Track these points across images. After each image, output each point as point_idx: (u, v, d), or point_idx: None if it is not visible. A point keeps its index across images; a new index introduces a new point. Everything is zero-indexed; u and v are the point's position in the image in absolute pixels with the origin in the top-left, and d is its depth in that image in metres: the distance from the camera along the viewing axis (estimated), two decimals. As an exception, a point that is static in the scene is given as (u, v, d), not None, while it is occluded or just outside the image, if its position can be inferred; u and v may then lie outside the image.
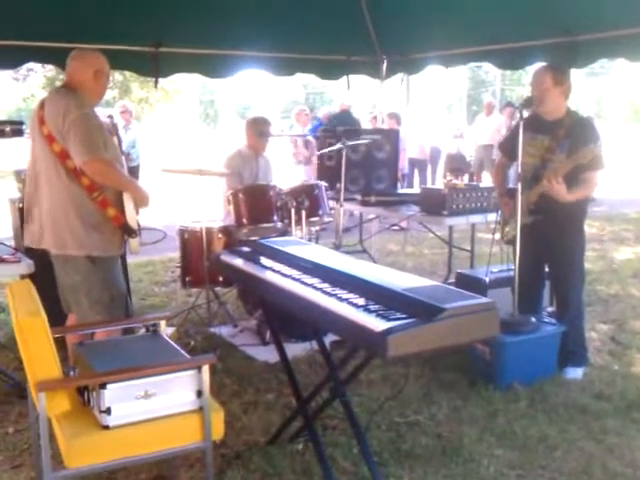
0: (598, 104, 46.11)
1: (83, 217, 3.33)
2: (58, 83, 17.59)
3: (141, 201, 3.49)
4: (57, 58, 3.57)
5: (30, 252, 3.70)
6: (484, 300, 2.33)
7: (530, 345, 3.99)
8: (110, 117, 3.95)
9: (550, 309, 4.67)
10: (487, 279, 4.61)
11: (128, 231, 3.41)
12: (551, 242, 4.10)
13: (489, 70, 39.49)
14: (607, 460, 3.17)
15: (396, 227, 8.97)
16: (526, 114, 4.00)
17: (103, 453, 2.38)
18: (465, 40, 5.64)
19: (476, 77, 43.24)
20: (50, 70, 19.90)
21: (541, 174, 3.97)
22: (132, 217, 3.40)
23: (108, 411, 2.38)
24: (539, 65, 4.25)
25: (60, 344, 3.01)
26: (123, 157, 3.73)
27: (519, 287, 4.04)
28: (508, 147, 4.34)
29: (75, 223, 3.33)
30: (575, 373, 4.11)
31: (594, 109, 40.36)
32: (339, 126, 7.27)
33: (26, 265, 3.67)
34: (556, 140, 3.98)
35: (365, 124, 11.13)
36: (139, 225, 3.48)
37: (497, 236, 4.35)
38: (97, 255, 3.38)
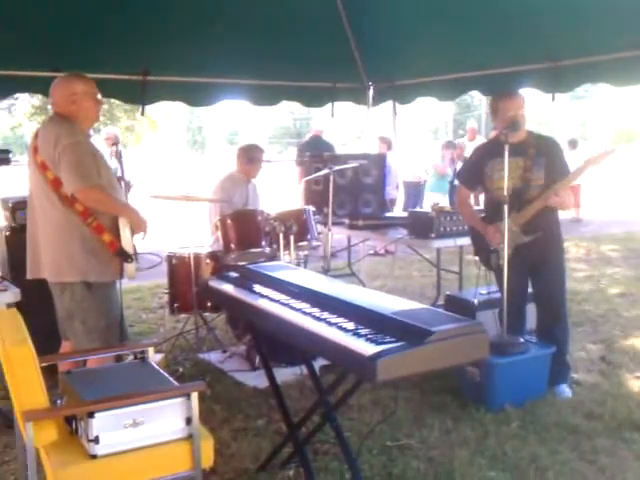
0: (583, 126, 46.63)
1: (80, 242, 3.32)
2: (46, 112, 17.56)
3: (137, 226, 3.47)
4: (45, 88, 3.58)
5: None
6: (472, 322, 2.34)
7: (520, 366, 3.99)
8: (115, 145, 3.95)
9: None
10: (475, 301, 4.62)
11: (124, 256, 3.37)
12: (538, 260, 4.13)
13: (474, 95, 39.97)
14: (599, 481, 3.16)
15: (382, 252, 8.99)
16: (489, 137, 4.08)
17: (91, 483, 2.35)
18: (452, 67, 5.73)
19: (461, 102, 43.64)
20: (37, 99, 19.96)
21: (526, 194, 4.02)
22: (128, 242, 3.38)
23: (96, 440, 2.35)
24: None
25: (52, 372, 3.00)
26: (123, 183, 3.72)
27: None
28: (469, 177, 4.40)
29: (73, 248, 3.33)
30: (567, 390, 4.14)
31: (579, 131, 40.78)
32: (311, 152, 7.34)
33: (12, 294, 3.64)
34: (530, 159, 4.03)
35: (353, 148, 11.15)
36: (135, 250, 3.47)
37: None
38: (93, 281, 3.37)
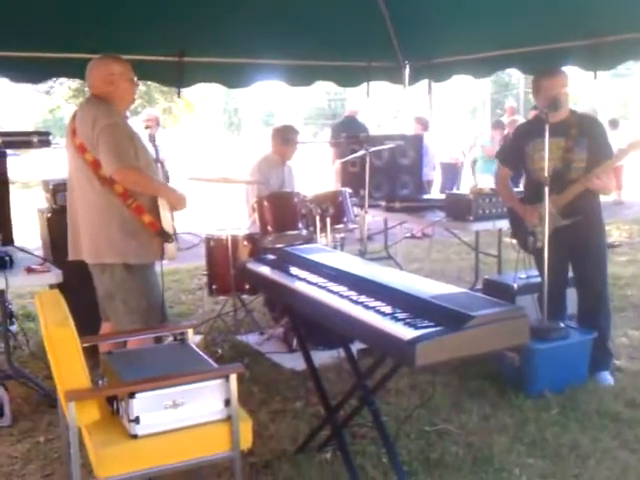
0: (624, 105, 45.46)
1: (120, 224, 3.34)
2: (84, 94, 17.74)
3: (177, 204, 3.46)
4: (82, 71, 3.60)
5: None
6: (513, 307, 2.31)
7: (561, 352, 3.92)
8: (148, 127, 4.00)
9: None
10: (515, 285, 4.55)
11: (165, 236, 3.38)
12: (578, 244, 4.04)
13: (512, 73, 39.18)
14: (642, 470, 3.10)
15: (419, 235, 8.91)
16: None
17: (132, 462, 2.38)
18: (489, 44, 5.62)
19: (499, 80, 42.87)
20: (75, 82, 20.18)
21: (566, 175, 3.93)
22: (168, 222, 3.39)
23: (137, 420, 2.38)
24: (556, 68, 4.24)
25: (93, 352, 3.04)
26: (159, 164, 3.74)
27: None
28: (511, 157, 4.32)
29: (112, 230, 3.34)
30: (608, 377, 4.06)
31: (620, 111, 39.76)
32: (345, 133, 7.26)
33: (55, 275, 3.69)
34: (572, 139, 3.94)
35: (389, 129, 11.10)
36: (175, 230, 3.47)
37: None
38: (134, 263, 3.39)
